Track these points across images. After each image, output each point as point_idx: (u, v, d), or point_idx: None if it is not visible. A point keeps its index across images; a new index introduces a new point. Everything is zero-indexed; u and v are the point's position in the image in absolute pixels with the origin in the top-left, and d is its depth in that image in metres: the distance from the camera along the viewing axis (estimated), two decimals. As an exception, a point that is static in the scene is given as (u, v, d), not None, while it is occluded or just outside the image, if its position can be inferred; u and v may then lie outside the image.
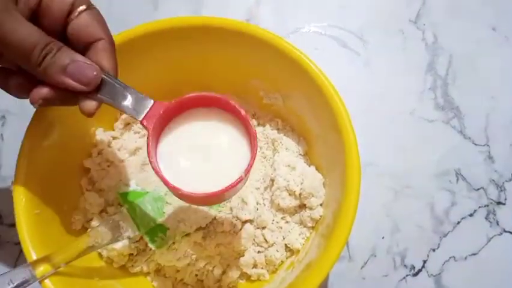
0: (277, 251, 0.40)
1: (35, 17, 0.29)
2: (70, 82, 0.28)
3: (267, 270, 0.41)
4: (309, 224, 0.40)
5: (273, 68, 0.40)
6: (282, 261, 0.41)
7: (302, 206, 0.41)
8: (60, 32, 0.30)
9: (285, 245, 0.41)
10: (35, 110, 0.35)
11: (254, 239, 0.41)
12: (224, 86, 0.43)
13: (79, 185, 0.41)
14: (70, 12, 0.29)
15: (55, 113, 0.36)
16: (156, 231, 0.39)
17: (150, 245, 0.39)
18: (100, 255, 0.39)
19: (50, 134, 0.36)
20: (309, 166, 0.42)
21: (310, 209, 0.40)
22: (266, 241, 0.40)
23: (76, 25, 0.30)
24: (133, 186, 0.41)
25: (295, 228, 0.41)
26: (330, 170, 0.40)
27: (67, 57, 0.28)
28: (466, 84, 0.52)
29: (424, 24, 0.55)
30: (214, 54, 0.41)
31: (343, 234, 0.32)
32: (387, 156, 0.49)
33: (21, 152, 0.34)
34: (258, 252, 0.41)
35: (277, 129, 0.45)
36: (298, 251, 0.40)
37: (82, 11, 0.30)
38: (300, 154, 0.43)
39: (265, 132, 0.45)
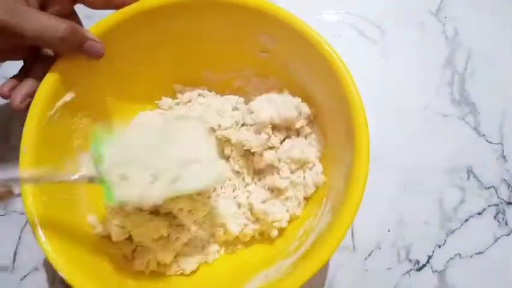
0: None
1: (44, 4, 0.36)
2: (85, 55, 0.36)
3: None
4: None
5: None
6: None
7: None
8: (69, 12, 0.38)
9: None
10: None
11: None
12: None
13: None
14: None
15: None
16: None
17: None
18: None
19: None
20: None
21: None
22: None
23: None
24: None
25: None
26: (336, 136, 0.40)
27: (81, 36, 0.35)
28: (484, 81, 0.51)
29: (445, 17, 0.53)
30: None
31: (355, 198, 0.32)
32: (399, 149, 0.48)
33: None
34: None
35: None
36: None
37: None
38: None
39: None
